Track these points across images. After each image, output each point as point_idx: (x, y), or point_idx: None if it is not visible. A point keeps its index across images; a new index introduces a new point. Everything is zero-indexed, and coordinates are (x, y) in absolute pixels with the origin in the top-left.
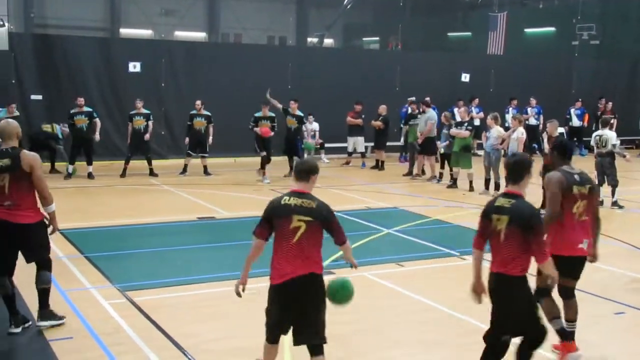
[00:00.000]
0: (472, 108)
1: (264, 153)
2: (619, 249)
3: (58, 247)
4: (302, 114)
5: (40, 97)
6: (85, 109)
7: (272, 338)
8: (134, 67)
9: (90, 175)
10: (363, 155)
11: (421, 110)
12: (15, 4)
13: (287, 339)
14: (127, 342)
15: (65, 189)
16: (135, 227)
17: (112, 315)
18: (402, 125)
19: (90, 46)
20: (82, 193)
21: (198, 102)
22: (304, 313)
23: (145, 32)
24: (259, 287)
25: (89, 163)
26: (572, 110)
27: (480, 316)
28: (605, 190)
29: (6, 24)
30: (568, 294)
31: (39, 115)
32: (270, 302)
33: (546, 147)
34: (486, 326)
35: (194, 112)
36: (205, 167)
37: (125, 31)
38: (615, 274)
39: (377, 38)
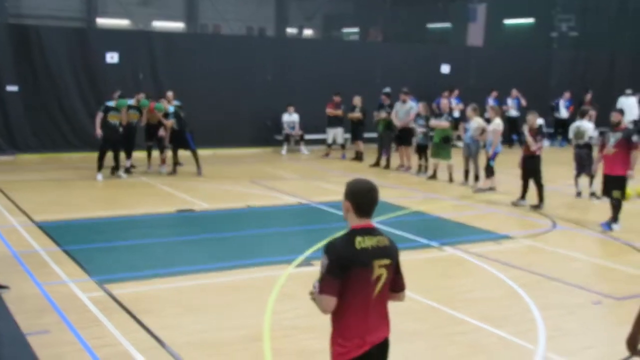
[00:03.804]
0: (452, 99)
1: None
2: (596, 240)
3: (35, 240)
4: (177, 103)
5: (16, 88)
6: None
7: None
8: (112, 57)
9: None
10: (343, 146)
11: (402, 100)
12: None
13: (266, 344)
14: (106, 336)
15: (41, 182)
16: (113, 220)
17: (90, 309)
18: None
19: (66, 36)
20: (59, 186)
21: (141, 95)
22: None
23: (123, 22)
24: (238, 280)
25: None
26: (561, 102)
27: (459, 308)
28: (583, 181)
29: None
30: None
31: (16, 107)
32: None
33: (527, 138)
34: (465, 317)
35: (131, 102)
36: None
37: (102, 21)
38: (592, 265)
39: (357, 29)
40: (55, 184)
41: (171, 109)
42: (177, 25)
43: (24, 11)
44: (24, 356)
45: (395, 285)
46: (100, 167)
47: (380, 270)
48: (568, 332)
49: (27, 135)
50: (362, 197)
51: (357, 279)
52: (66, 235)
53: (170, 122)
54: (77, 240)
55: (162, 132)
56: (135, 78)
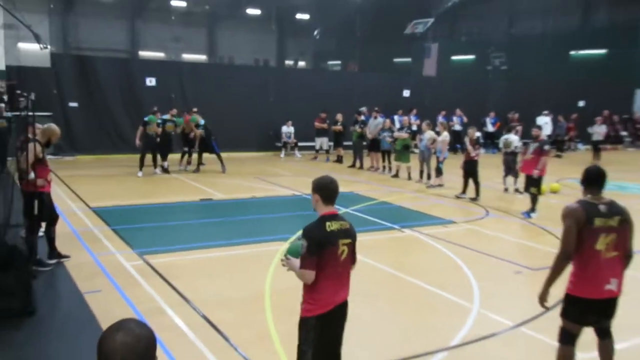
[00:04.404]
0: (411, 116)
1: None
2: (520, 224)
3: (90, 221)
4: (202, 120)
5: (76, 104)
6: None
7: None
8: (150, 81)
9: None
10: (327, 152)
11: (373, 117)
12: (55, 30)
13: (272, 330)
14: (144, 295)
15: (95, 177)
16: (151, 207)
17: (133, 274)
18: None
19: (115, 64)
20: (108, 180)
21: (174, 110)
22: (340, 343)
23: (159, 54)
24: (246, 253)
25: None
26: (487, 119)
27: (414, 275)
28: (509, 180)
29: (49, 47)
30: (602, 334)
31: (76, 118)
32: (310, 337)
33: (468, 147)
34: (418, 282)
35: (166, 116)
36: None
37: (143, 53)
38: (515, 243)
39: (339, 62)
40: (106, 179)
41: (202, 121)
42: (201, 57)
43: (83, 44)
44: (81, 310)
45: (354, 260)
46: (141, 166)
47: (343, 247)
48: (497, 295)
49: (84, 140)
50: (326, 189)
51: (329, 254)
52: (114, 218)
53: (199, 132)
54: (123, 221)
55: (191, 134)
56: (168, 98)
